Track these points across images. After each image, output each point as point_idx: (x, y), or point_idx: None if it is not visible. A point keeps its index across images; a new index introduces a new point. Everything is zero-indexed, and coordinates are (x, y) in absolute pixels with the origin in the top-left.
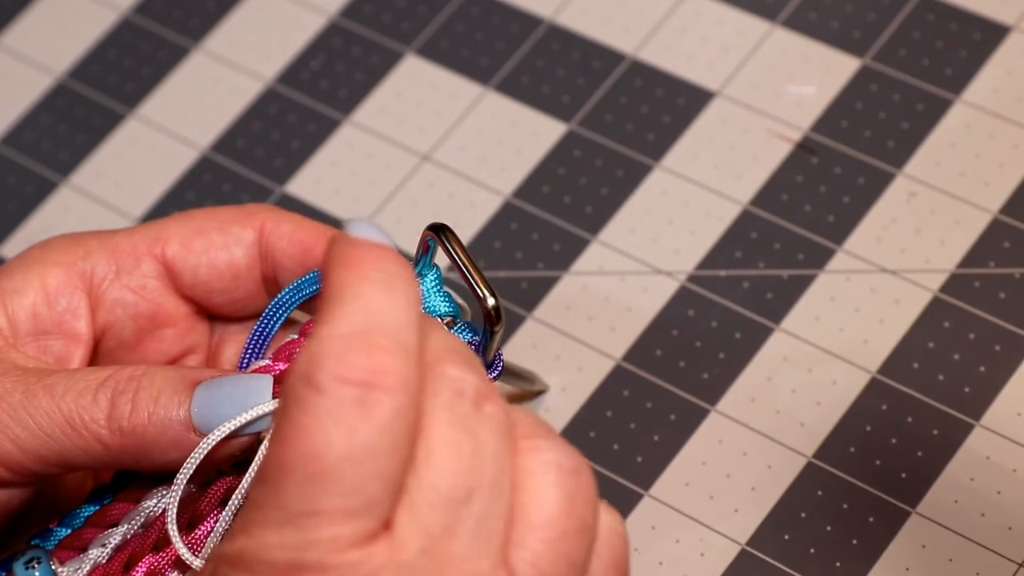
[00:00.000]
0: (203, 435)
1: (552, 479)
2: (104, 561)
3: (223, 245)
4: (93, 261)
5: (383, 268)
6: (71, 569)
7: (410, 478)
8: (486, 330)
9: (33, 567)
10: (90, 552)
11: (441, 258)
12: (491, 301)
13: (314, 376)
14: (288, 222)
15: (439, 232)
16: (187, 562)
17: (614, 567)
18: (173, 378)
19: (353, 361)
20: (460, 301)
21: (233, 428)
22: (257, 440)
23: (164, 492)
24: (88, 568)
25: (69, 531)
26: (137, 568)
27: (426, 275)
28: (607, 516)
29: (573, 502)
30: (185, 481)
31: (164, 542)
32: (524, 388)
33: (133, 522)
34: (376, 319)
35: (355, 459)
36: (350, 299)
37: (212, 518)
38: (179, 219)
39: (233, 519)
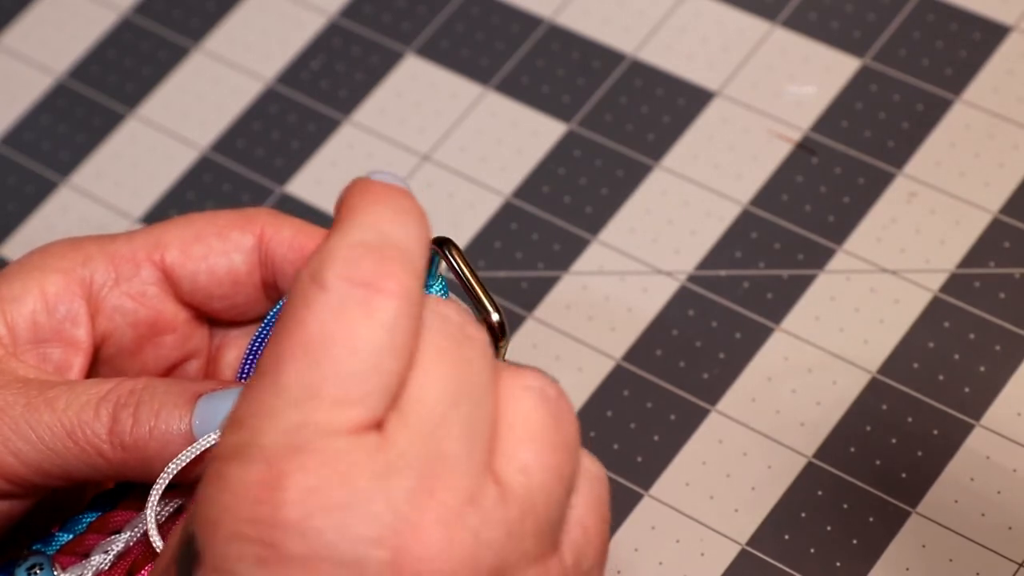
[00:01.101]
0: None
1: (536, 401)
2: (106, 568)
3: (222, 251)
4: (92, 267)
5: (398, 201)
6: (73, 575)
7: (401, 387)
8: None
9: (35, 573)
10: (92, 559)
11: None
12: (495, 316)
13: (321, 275)
14: (288, 227)
15: (442, 246)
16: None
17: (597, 505)
18: (174, 392)
19: (362, 265)
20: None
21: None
22: None
23: (168, 500)
24: (90, 574)
25: (71, 536)
26: (140, 575)
27: (431, 286)
28: (588, 460)
29: (559, 421)
30: (169, 479)
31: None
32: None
33: (136, 529)
34: (387, 237)
35: (355, 351)
36: (363, 216)
37: None
38: (178, 224)
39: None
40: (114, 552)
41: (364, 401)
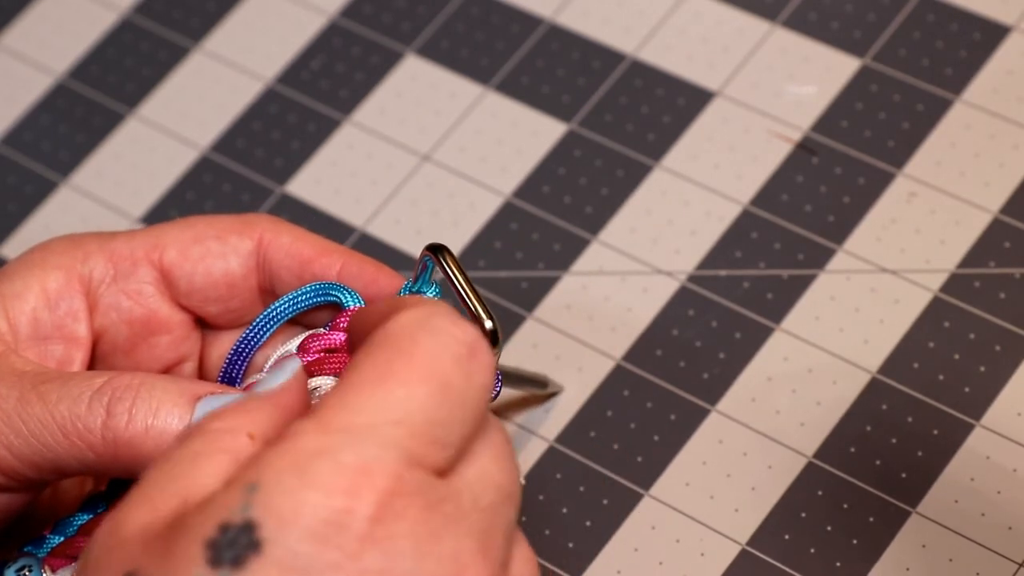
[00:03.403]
0: None
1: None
2: None
3: (220, 254)
4: (91, 264)
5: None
6: None
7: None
8: None
9: (25, 574)
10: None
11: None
12: (488, 324)
13: (443, 318)
14: (287, 234)
15: (437, 253)
16: None
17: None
18: (173, 391)
19: (470, 329)
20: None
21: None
22: None
23: None
24: None
25: (62, 539)
26: None
27: (425, 293)
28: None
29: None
30: None
31: None
32: (536, 392)
33: None
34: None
35: (463, 401)
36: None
37: None
38: (178, 225)
39: None
40: None
41: (450, 447)
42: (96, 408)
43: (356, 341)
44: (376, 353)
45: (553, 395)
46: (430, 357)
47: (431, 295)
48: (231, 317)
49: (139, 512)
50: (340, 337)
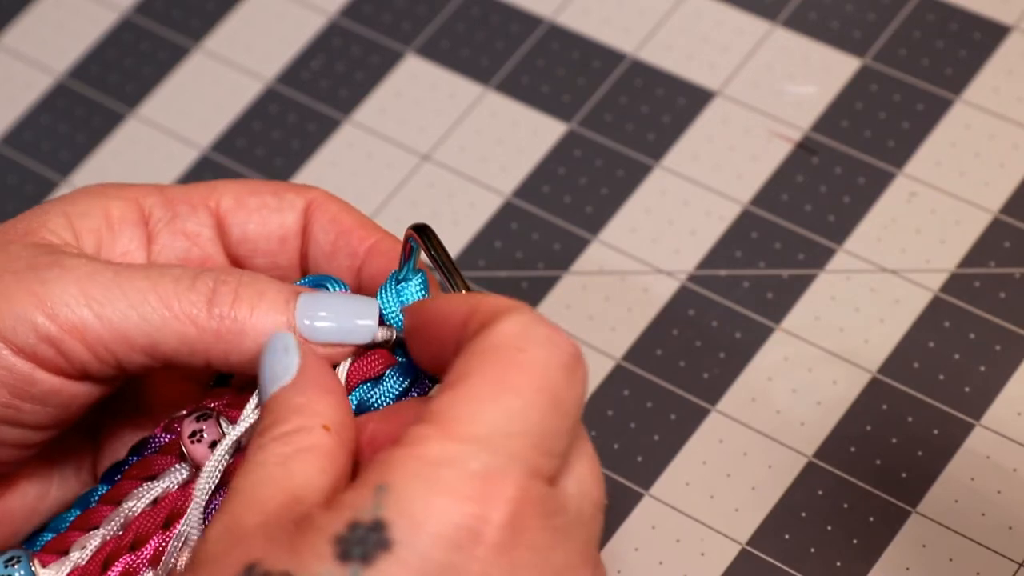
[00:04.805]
0: (306, 338)
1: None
2: (83, 563)
3: (276, 207)
4: (152, 202)
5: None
6: (52, 571)
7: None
8: None
9: (12, 566)
10: (71, 555)
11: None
12: None
13: (553, 335)
14: (336, 203)
15: (420, 232)
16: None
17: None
18: (276, 282)
19: (572, 345)
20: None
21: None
22: (356, 351)
23: (143, 493)
24: (68, 570)
25: (53, 535)
26: (113, 567)
27: (411, 279)
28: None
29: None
30: (220, 467)
31: (140, 542)
32: None
33: (112, 524)
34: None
35: (568, 413)
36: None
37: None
38: (234, 180)
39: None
40: (91, 547)
41: (559, 458)
42: (201, 286)
43: (427, 334)
44: (486, 362)
45: None
46: (542, 368)
47: (417, 281)
48: (275, 274)
49: (251, 512)
50: None
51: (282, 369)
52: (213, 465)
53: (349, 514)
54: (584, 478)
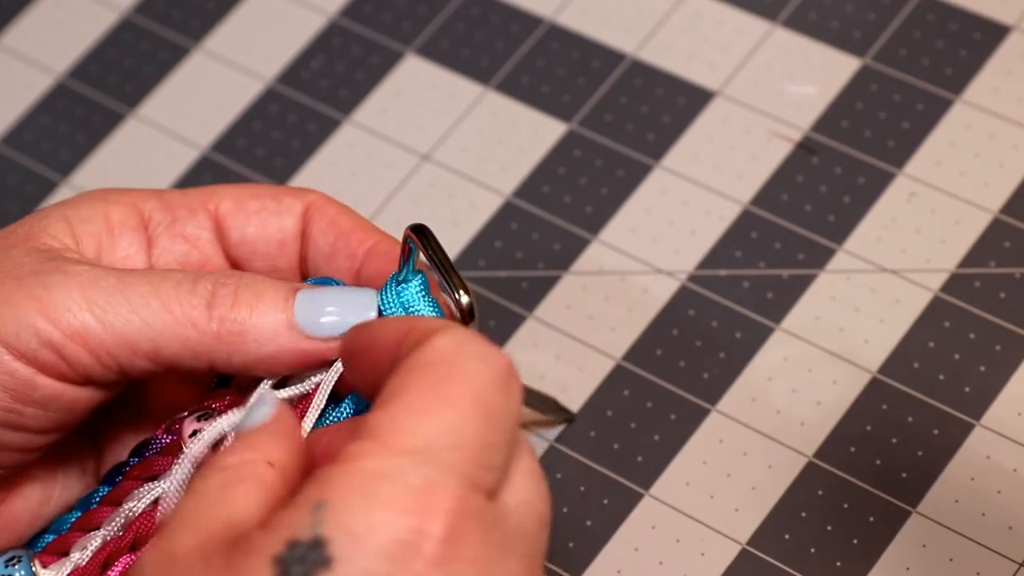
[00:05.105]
0: (306, 334)
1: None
2: (84, 563)
3: (275, 211)
4: (151, 206)
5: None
6: (52, 572)
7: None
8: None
9: (13, 566)
10: (71, 556)
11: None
12: (465, 299)
13: (477, 344)
14: (334, 206)
15: (418, 233)
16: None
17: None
18: (274, 281)
19: (502, 357)
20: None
21: (295, 393)
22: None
23: (143, 494)
24: (69, 570)
25: (55, 536)
26: (114, 567)
27: (411, 280)
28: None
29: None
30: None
31: (140, 542)
32: (546, 417)
33: (113, 524)
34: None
35: (506, 425)
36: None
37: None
38: (233, 184)
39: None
40: (91, 548)
41: (497, 470)
42: (201, 290)
43: (364, 357)
44: (421, 377)
45: (565, 421)
46: (476, 382)
47: (417, 282)
48: (274, 277)
49: (185, 536)
50: None
51: (255, 418)
52: (191, 452)
53: (287, 532)
54: (526, 492)
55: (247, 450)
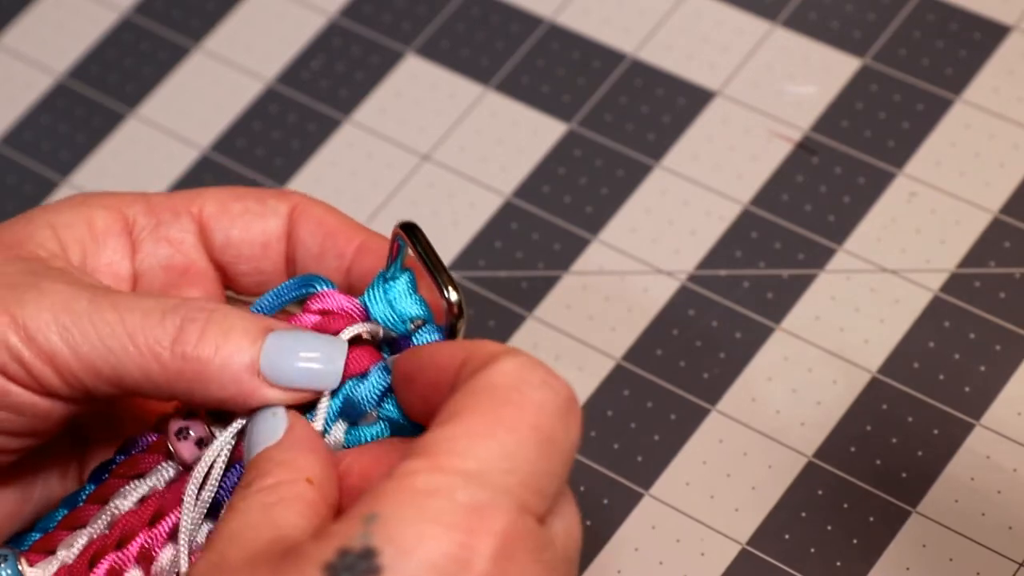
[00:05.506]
0: (268, 382)
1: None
2: (70, 561)
3: (259, 213)
4: (135, 210)
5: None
6: (39, 570)
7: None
8: (449, 323)
9: None
10: (58, 554)
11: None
12: (454, 296)
13: (548, 376)
14: (319, 206)
15: (407, 230)
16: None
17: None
18: (246, 319)
19: (567, 389)
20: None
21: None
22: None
23: (129, 492)
24: (55, 568)
25: (41, 535)
26: (99, 565)
27: (399, 278)
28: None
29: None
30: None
31: (126, 540)
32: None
33: (99, 522)
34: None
35: (564, 456)
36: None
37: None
38: (217, 187)
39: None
40: (78, 546)
41: (549, 498)
42: (168, 323)
43: (419, 379)
44: (482, 400)
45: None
46: (537, 409)
47: (405, 280)
48: (259, 280)
49: (236, 548)
50: (312, 319)
51: (270, 431)
52: (205, 461)
53: (338, 542)
54: (570, 521)
55: (283, 470)
